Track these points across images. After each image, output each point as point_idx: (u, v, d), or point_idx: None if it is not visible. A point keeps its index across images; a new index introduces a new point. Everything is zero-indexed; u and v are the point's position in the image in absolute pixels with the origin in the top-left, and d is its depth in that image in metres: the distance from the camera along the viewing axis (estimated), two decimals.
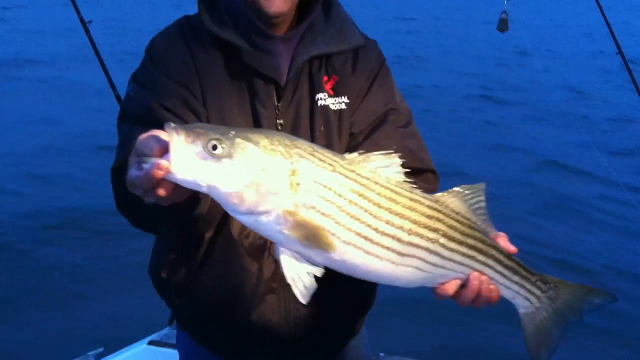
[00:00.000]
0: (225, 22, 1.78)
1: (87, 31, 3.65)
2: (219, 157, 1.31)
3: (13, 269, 5.46)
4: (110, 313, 4.88)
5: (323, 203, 1.37)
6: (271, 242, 1.76)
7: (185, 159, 1.30)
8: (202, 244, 1.82)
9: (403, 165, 1.55)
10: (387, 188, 1.44)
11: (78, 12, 3.62)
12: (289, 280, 1.42)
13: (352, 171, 1.42)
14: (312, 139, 1.79)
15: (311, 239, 1.37)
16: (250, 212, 1.35)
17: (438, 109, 11.24)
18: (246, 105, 1.79)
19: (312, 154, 1.39)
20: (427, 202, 1.49)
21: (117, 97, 3.44)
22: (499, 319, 4.38)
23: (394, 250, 1.44)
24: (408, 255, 1.46)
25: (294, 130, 1.79)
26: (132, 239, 5.37)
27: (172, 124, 1.32)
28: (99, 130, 8.21)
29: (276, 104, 1.80)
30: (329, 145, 1.78)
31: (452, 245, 1.50)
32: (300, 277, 1.42)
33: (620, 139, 10.51)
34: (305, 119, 1.82)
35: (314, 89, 1.84)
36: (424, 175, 1.90)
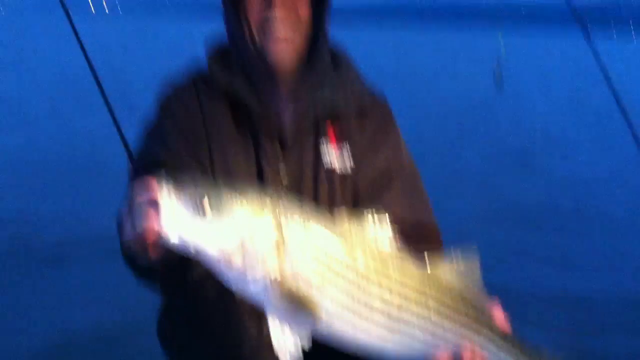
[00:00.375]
0: (234, 74, 1.79)
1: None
2: (209, 219, 1.29)
3: None
4: None
5: (310, 274, 1.33)
6: None
7: (176, 221, 1.28)
8: (205, 305, 1.81)
9: (406, 232, 1.52)
10: (377, 260, 1.40)
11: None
12: (276, 348, 1.38)
13: (343, 240, 1.38)
14: (315, 197, 1.78)
15: (298, 308, 1.33)
16: (240, 280, 1.33)
17: None
18: (252, 161, 1.78)
19: (302, 220, 1.36)
20: (419, 276, 1.45)
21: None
22: None
23: (383, 326, 1.40)
24: (398, 332, 1.42)
25: (296, 187, 1.78)
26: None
27: (164, 182, 1.31)
28: None
29: (280, 160, 1.79)
30: (331, 205, 1.77)
31: (445, 323, 1.46)
32: (286, 346, 1.38)
33: None
34: (308, 177, 1.80)
35: (319, 147, 1.82)
36: (426, 241, 1.84)
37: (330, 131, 1.84)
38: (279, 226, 1.33)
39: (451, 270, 1.50)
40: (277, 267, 1.32)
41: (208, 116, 1.80)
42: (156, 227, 1.28)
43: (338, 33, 1.96)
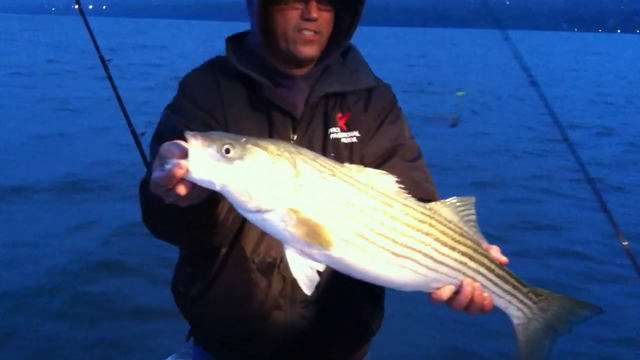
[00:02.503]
0: (249, 61, 1.98)
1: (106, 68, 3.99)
2: (231, 159, 1.46)
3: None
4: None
5: (323, 203, 1.49)
6: (280, 260, 1.90)
7: (202, 160, 1.45)
8: (216, 258, 1.97)
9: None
10: (382, 193, 1.56)
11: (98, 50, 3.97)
12: (294, 273, 1.53)
13: (351, 177, 1.55)
14: None
15: (312, 236, 1.48)
16: (258, 210, 1.48)
17: None
18: (265, 135, 1.95)
19: (314, 160, 1.53)
20: (420, 209, 1.60)
21: (133, 132, 3.74)
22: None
23: (389, 251, 1.55)
24: (403, 257, 1.56)
25: None
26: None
27: (191, 132, 1.48)
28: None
29: (292, 135, 1.97)
30: None
31: (445, 250, 1.60)
32: (304, 271, 1.53)
33: None
34: (318, 150, 1.95)
35: (328, 124, 2.00)
36: (424, 198, 2.00)
37: (338, 108, 2.03)
38: (295, 163, 1.50)
39: (450, 207, 1.65)
40: (294, 198, 1.48)
41: (224, 93, 1.99)
42: (184, 167, 1.44)
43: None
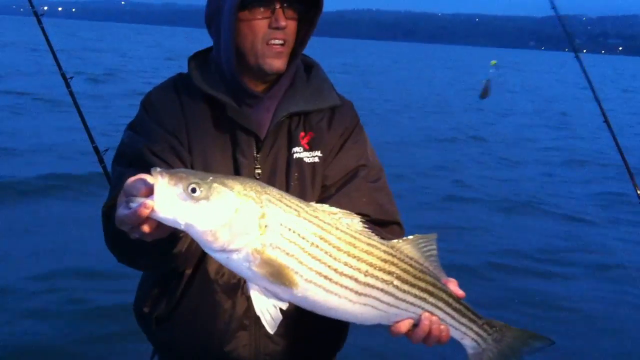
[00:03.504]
0: (214, 80, 1.97)
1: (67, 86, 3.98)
2: (197, 199, 1.46)
3: None
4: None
5: (287, 244, 1.52)
6: (244, 282, 1.89)
7: (168, 199, 1.45)
8: (182, 280, 1.97)
9: (371, 218, 1.72)
10: (346, 233, 1.59)
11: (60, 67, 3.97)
12: (258, 312, 1.56)
13: (316, 217, 1.57)
14: (287, 188, 1.95)
15: (276, 276, 1.51)
16: (223, 250, 1.50)
17: None
18: (228, 154, 1.96)
19: (280, 200, 1.54)
20: (383, 247, 1.64)
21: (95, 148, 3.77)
22: None
23: (351, 290, 1.59)
24: (364, 295, 1.60)
25: (270, 179, 1.95)
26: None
27: (158, 169, 1.48)
28: None
29: (255, 154, 1.97)
30: (302, 194, 1.93)
31: (405, 287, 1.65)
32: (267, 309, 1.56)
33: None
34: (281, 170, 1.98)
35: (291, 143, 2.01)
36: (390, 227, 2.05)
37: (302, 127, 2.04)
38: (261, 203, 1.52)
39: (412, 243, 1.69)
40: (259, 238, 1.50)
41: (188, 113, 1.98)
42: (150, 206, 1.45)
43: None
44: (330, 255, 1.56)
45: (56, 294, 5.78)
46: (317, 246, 1.55)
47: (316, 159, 2.02)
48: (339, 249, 1.57)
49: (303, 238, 1.54)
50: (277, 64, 1.94)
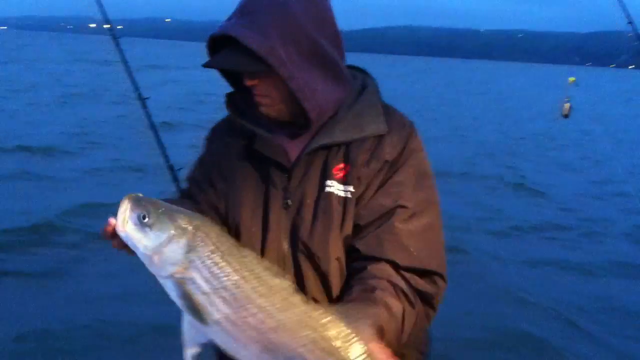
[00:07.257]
0: (246, 113, 1.99)
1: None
2: (143, 225, 1.66)
3: None
4: None
5: (204, 282, 1.62)
6: None
7: (123, 221, 1.68)
8: None
9: (401, 264, 1.74)
10: (265, 286, 1.63)
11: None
12: (183, 342, 1.69)
13: (243, 264, 1.64)
14: (313, 222, 1.86)
15: (191, 311, 1.63)
16: (157, 275, 1.67)
17: None
18: (260, 185, 1.96)
19: (213, 240, 1.66)
20: (302, 308, 1.61)
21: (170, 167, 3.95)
22: None
23: (258, 343, 1.60)
24: (271, 351, 1.60)
25: (298, 211, 1.88)
26: None
27: (132, 194, 1.71)
28: None
29: (287, 184, 1.92)
30: (326, 230, 1.84)
31: (317, 353, 1.58)
32: (194, 340, 1.69)
33: None
34: (309, 203, 1.88)
35: (325, 175, 1.88)
36: (428, 277, 1.84)
37: (340, 158, 1.90)
38: (194, 239, 1.65)
39: (340, 317, 1.60)
40: (182, 272, 1.64)
41: (229, 142, 2.06)
42: (112, 224, 1.70)
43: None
44: (241, 305, 1.61)
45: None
46: (231, 291, 1.61)
47: (349, 194, 1.86)
48: (250, 300, 1.61)
49: (219, 280, 1.62)
50: (270, 111, 1.92)
